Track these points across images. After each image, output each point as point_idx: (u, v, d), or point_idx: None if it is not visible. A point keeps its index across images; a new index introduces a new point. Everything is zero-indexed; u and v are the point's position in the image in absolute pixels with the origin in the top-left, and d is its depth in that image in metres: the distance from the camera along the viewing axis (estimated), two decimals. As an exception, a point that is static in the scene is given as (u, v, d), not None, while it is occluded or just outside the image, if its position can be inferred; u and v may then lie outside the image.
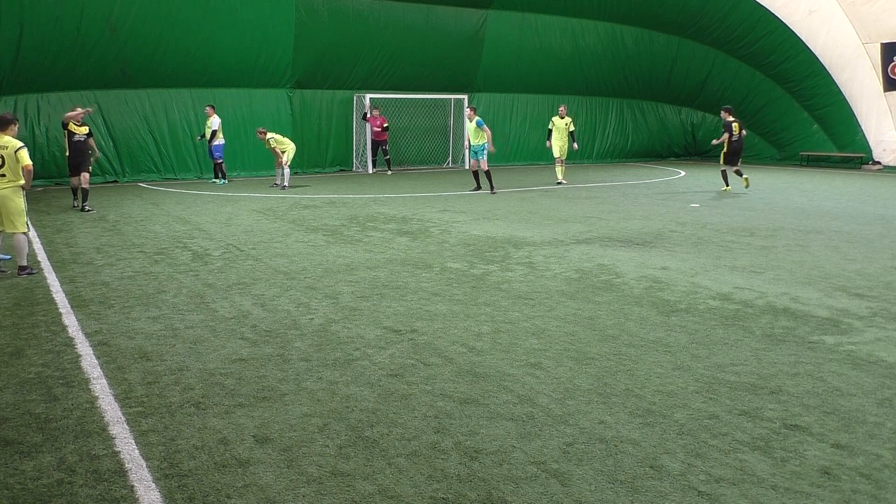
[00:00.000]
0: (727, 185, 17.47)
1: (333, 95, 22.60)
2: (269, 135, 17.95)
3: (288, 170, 18.07)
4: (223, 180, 19.31)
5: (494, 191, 16.89)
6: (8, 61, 17.36)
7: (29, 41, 17.30)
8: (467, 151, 18.55)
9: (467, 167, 24.69)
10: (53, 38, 17.58)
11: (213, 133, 18.66)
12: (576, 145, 19.74)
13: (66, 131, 13.87)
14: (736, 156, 17.35)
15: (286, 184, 18.02)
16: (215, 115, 18.75)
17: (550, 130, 19.27)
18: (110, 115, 19.39)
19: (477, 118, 16.60)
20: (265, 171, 21.67)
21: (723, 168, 17.50)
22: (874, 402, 4.58)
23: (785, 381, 4.95)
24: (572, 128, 19.29)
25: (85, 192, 13.88)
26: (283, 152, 17.82)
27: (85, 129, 14.05)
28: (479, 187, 17.24)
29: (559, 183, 19.05)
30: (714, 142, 17.96)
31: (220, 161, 19.20)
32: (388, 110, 23.06)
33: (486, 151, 16.48)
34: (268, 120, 21.59)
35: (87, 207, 13.75)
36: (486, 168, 16.67)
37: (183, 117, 20.27)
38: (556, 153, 19.21)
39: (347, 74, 22.37)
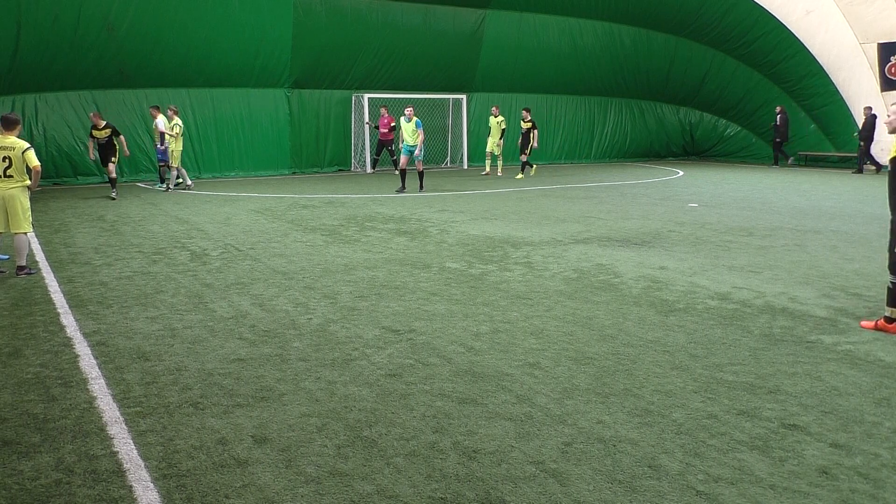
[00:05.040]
0: (523, 174, 21.24)
1: (331, 95, 22.60)
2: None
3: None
4: (161, 185, 18.15)
5: (422, 186, 17.38)
6: (5, 61, 17.33)
7: (26, 41, 17.27)
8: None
9: (465, 167, 24.86)
10: (51, 37, 17.55)
11: (162, 135, 17.22)
12: (501, 142, 21.51)
13: (91, 135, 15.79)
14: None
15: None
16: (160, 116, 17.38)
17: (491, 129, 21.66)
18: (108, 114, 19.29)
19: (416, 119, 16.73)
20: (264, 170, 21.69)
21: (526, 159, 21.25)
22: (872, 401, 4.59)
23: (783, 380, 4.95)
24: (504, 125, 21.55)
25: (112, 181, 15.78)
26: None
27: (106, 132, 15.59)
28: (404, 187, 17.24)
29: (486, 174, 21.74)
30: (535, 146, 21.38)
31: (163, 165, 17.92)
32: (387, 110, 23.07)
33: (422, 152, 16.84)
34: (266, 120, 21.60)
35: (113, 195, 15.72)
36: (421, 168, 17.13)
37: (181, 117, 20.20)
38: (487, 148, 21.75)
39: (345, 74, 22.37)
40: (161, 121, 17.38)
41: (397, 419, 4.33)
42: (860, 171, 22.79)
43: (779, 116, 25.09)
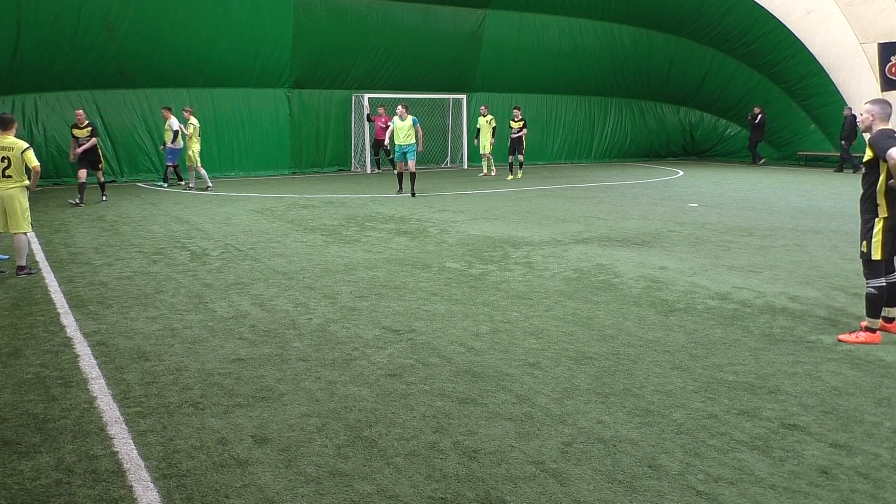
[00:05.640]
0: (514, 175, 20.56)
1: (332, 95, 22.60)
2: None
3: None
4: (164, 184, 18.42)
5: (414, 194, 16.11)
6: (5, 61, 17.34)
7: (26, 40, 17.27)
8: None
9: (465, 167, 24.85)
10: (51, 37, 17.55)
11: (176, 134, 17.44)
12: (492, 140, 21.29)
13: (72, 135, 15.09)
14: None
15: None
16: (173, 117, 17.60)
17: (479, 129, 21.55)
18: (108, 114, 19.37)
19: (412, 116, 16.02)
20: (264, 170, 21.69)
21: (521, 160, 20.74)
22: (872, 401, 4.59)
23: (783, 380, 4.95)
24: (494, 124, 21.35)
25: (101, 185, 15.53)
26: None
27: (86, 132, 14.86)
28: (402, 189, 16.60)
29: (484, 175, 21.33)
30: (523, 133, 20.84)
31: (171, 165, 18.20)
32: (386, 110, 23.07)
33: (415, 152, 15.98)
34: (266, 120, 21.61)
35: (103, 198, 15.42)
36: (414, 170, 16.09)
37: (181, 117, 20.20)
38: (481, 150, 21.56)
39: (346, 74, 22.38)
40: (175, 121, 17.48)
41: (397, 419, 4.33)
42: (845, 169, 23.09)
43: (760, 116, 25.56)
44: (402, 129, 15.92)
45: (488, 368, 5.20)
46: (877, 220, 5.70)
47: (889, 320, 5.94)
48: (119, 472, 3.69)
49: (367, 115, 22.52)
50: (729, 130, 28.40)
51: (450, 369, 5.18)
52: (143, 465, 3.75)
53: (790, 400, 4.61)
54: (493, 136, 21.18)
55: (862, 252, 5.85)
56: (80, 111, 15.57)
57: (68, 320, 6.47)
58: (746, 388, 4.81)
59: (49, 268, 8.75)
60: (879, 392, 4.74)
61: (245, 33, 19.98)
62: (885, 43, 22.47)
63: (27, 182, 8.32)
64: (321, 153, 22.81)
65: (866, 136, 5.82)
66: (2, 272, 8.42)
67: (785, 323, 6.31)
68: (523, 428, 4.20)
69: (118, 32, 18.36)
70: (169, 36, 19.03)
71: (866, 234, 5.78)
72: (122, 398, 4.67)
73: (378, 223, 12.20)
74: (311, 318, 6.49)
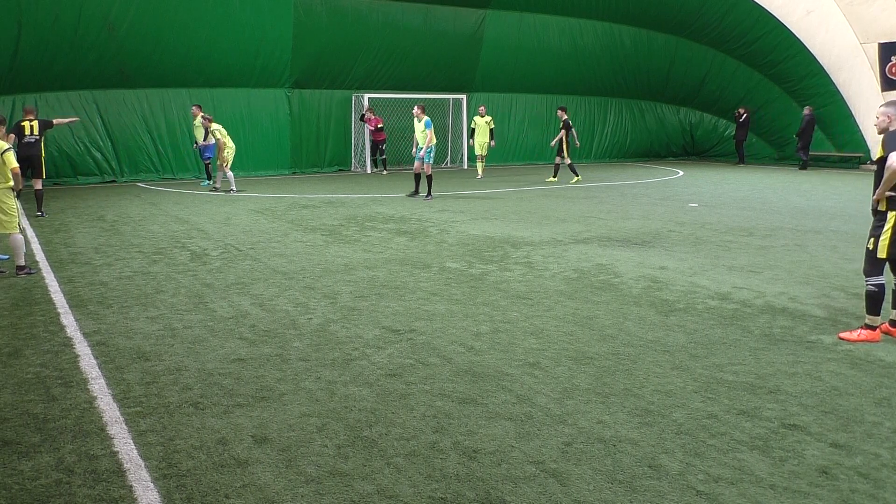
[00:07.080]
0: (578, 176, 19.65)
1: (332, 95, 22.60)
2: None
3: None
4: (208, 181, 18.63)
5: (430, 196, 15.65)
6: (6, 61, 17.34)
7: (27, 40, 17.27)
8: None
9: (465, 167, 24.85)
10: (51, 37, 17.55)
11: (206, 133, 17.76)
12: (493, 143, 21.23)
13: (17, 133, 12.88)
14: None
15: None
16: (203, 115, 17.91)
17: (473, 129, 21.24)
18: (108, 114, 19.37)
19: (426, 118, 15.44)
20: (264, 170, 21.69)
21: (570, 162, 19.68)
22: (872, 401, 4.59)
23: (783, 380, 4.96)
24: (492, 125, 21.07)
25: (37, 196, 13.29)
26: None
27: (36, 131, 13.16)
28: (417, 192, 15.98)
29: (479, 177, 20.69)
30: (553, 143, 20.09)
31: (208, 162, 18.47)
32: (386, 110, 23.07)
33: (431, 154, 15.47)
34: (266, 120, 21.61)
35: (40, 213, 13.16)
36: (430, 172, 15.60)
37: (181, 117, 20.25)
38: (476, 150, 21.18)
39: (346, 74, 22.38)
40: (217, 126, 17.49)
41: (397, 419, 4.33)
42: (804, 167, 24.14)
43: (745, 115, 26.15)
44: (418, 132, 15.50)
45: (488, 368, 5.20)
46: (890, 214, 5.67)
47: (895, 324, 5.92)
48: (119, 472, 3.69)
49: (362, 114, 22.49)
50: (729, 131, 28.40)
51: (450, 369, 5.18)
52: (143, 465, 3.75)
53: (790, 400, 4.61)
54: (491, 137, 20.96)
55: (868, 249, 5.85)
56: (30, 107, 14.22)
57: (68, 320, 6.47)
58: (746, 388, 4.81)
59: (49, 268, 8.75)
60: (879, 392, 4.74)
61: (245, 33, 19.97)
62: (886, 43, 22.46)
63: (12, 183, 8.32)
64: (321, 153, 22.81)
65: (881, 136, 5.86)
66: (2, 272, 8.43)
67: (785, 323, 6.32)
68: (523, 428, 4.20)
69: (118, 32, 18.35)
70: (169, 36, 19.03)
71: (875, 231, 5.78)
72: (122, 398, 4.67)
73: (378, 223, 12.20)
74: (311, 318, 6.49)
